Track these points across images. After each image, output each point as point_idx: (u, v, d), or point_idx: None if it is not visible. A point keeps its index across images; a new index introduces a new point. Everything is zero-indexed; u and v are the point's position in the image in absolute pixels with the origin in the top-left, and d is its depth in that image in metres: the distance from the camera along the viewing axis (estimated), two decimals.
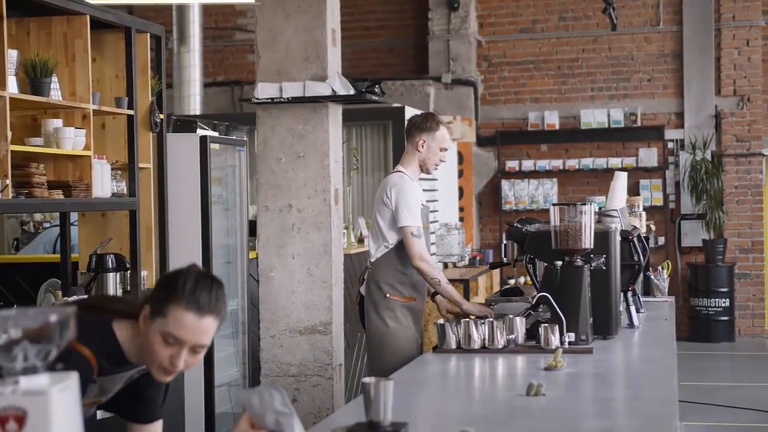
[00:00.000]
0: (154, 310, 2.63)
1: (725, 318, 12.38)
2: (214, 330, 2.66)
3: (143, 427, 2.97)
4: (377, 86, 6.10)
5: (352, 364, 7.58)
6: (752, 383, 10.09)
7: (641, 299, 5.67)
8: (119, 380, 2.79)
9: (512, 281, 11.64)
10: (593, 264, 4.49)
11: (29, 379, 1.74)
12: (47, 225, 8.35)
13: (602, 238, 4.57)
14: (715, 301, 12.33)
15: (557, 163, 12.93)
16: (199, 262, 6.30)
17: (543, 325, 4.26)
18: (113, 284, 5.45)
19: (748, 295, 12.72)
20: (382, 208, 5.22)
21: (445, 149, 5.36)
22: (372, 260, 5.31)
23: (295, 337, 5.84)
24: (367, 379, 2.73)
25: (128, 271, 5.60)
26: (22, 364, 1.75)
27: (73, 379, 1.79)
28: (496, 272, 11.27)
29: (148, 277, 5.87)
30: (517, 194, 13.04)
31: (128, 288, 5.62)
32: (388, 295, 5.21)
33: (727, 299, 12.36)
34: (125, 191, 5.60)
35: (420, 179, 5.30)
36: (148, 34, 5.91)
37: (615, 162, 12.70)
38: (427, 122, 5.33)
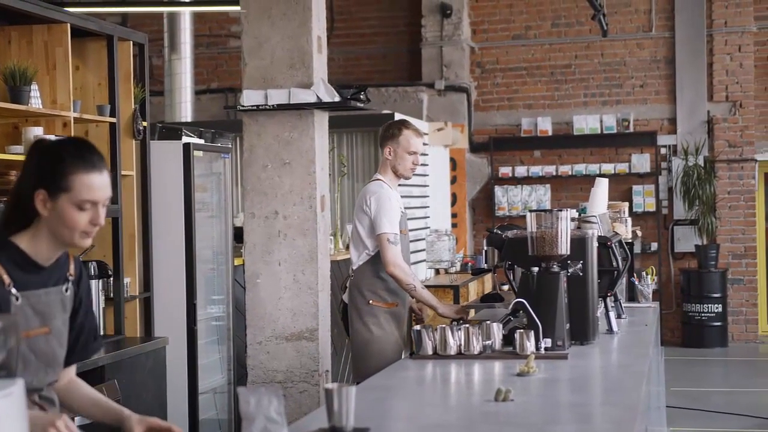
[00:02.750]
0: (54, 190, 2.67)
1: (718, 323, 12.38)
2: None
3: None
4: (363, 93, 6.11)
5: (339, 371, 7.60)
6: (745, 389, 10.09)
7: (623, 305, 5.68)
8: (47, 297, 2.76)
9: (506, 287, 11.64)
10: (570, 270, 4.51)
11: None
12: None
13: (579, 244, 4.58)
14: (708, 307, 12.34)
15: (550, 169, 12.94)
16: (183, 269, 6.33)
17: (519, 330, 4.27)
18: (96, 291, 5.45)
19: (741, 301, 12.72)
20: (361, 216, 5.32)
21: (414, 152, 5.40)
22: (353, 267, 5.39)
23: (281, 343, 5.85)
24: (329, 386, 2.76)
25: (111, 279, 5.62)
26: None
27: (17, 385, 1.81)
28: (488, 278, 11.27)
29: (131, 284, 5.89)
30: (511, 200, 13.05)
31: (111, 295, 5.64)
32: (371, 301, 5.29)
33: (720, 305, 12.36)
34: None
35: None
36: (131, 42, 5.94)
37: (608, 168, 12.71)
38: (389, 130, 5.44)
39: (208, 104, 13.06)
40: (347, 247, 8.33)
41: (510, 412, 3.18)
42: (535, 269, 4.43)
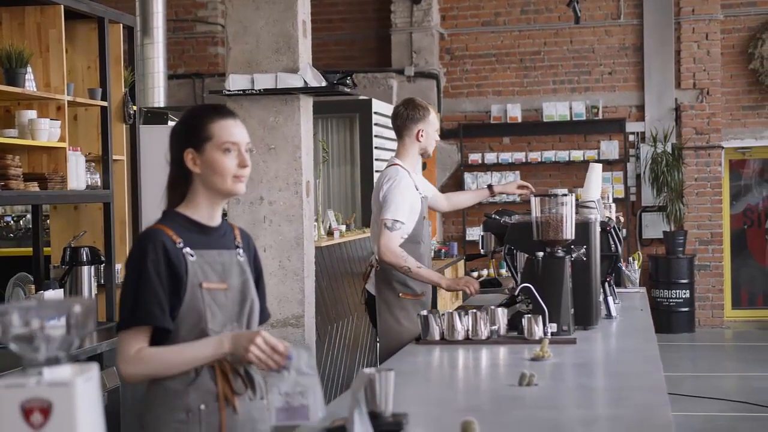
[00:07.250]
0: (198, 143, 2.86)
1: (685, 309, 12.51)
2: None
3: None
4: (349, 78, 6.07)
5: (323, 357, 7.57)
6: (713, 373, 10.21)
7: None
8: (221, 257, 2.89)
9: (475, 273, 11.69)
10: (574, 255, 4.51)
11: (52, 370, 1.72)
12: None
13: (582, 228, 4.59)
14: (676, 293, 12.46)
15: (520, 156, 12.98)
16: None
17: (526, 316, 4.27)
18: (87, 277, 5.38)
19: (707, 287, 12.87)
20: (378, 204, 5.15)
21: (437, 130, 5.37)
22: (378, 258, 5.16)
23: (266, 329, 5.80)
24: (368, 370, 2.73)
25: (103, 264, 5.54)
26: (45, 355, 1.73)
27: (94, 370, 1.77)
28: (461, 264, 11.32)
29: (122, 270, 5.80)
30: (480, 187, 13.07)
31: (102, 281, 5.56)
32: (401, 294, 5.15)
33: (688, 290, 12.49)
34: (99, 183, 5.54)
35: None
36: (121, 25, 5.85)
37: (577, 155, 12.78)
38: (419, 111, 5.27)
39: (175, 89, 12.92)
40: (329, 234, 8.30)
41: (537, 396, 3.18)
42: (540, 254, 4.44)
